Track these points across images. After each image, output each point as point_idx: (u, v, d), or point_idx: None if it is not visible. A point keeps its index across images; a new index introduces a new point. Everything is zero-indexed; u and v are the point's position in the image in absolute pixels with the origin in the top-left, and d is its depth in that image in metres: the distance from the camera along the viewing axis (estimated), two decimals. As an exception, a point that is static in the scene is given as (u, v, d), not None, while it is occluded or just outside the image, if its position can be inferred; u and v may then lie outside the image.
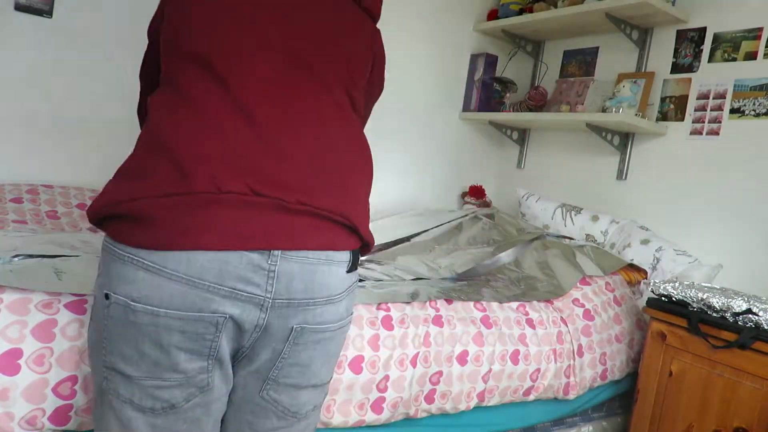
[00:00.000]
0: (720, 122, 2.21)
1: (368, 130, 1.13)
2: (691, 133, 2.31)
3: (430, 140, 2.94)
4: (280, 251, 0.85)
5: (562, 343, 1.68)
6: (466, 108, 3.00)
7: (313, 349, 0.93)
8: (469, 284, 1.82)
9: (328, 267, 0.90)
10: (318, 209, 0.88)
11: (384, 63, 1.15)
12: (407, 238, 2.31)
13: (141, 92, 1.14)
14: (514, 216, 2.50)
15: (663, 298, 1.69)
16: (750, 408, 1.48)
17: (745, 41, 2.16)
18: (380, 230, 2.47)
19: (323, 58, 0.96)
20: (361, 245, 0.99)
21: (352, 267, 0.96)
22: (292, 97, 0.91)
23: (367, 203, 1.00)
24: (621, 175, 2.56)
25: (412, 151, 2.89)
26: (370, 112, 1.21)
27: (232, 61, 0.88)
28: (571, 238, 2.23)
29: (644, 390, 1.72)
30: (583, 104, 2.65)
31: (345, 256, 0.94)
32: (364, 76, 1.05)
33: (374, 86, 1.14)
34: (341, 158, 0.94)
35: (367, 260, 2.11)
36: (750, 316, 1.49)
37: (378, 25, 1.10)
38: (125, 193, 0.82)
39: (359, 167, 0.99)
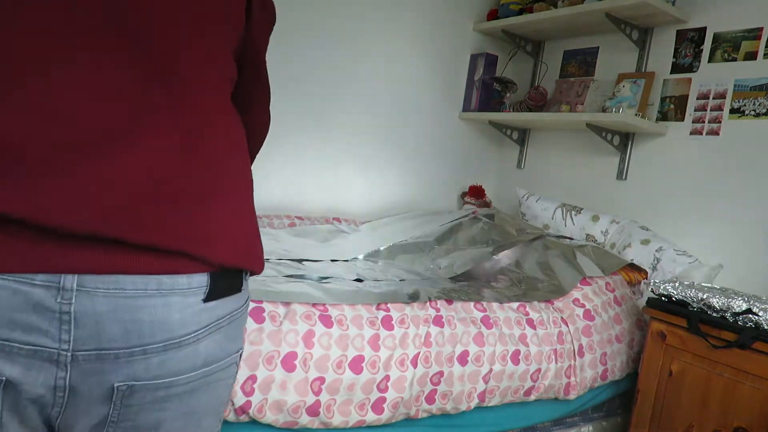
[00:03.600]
0: (720, 122, 2.22)
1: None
2: (691, 133, 2.31)
3: (430, 140, 2.94)
4: (75, 279, 0.59)
5: (563, 343, 1.68)
6: (466, 108, 3.00)
7: (160, 410, 0.67)
8: (469, 284, 1.82)
9: (164, 298, 0.64)
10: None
11: None
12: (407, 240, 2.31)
13: None
14: (514, 216, 2.50)
15: (663, 298, 1.69)
16: (750, 408, 1.48)
17: (745, 41, 2.16)
18: (381, 231, 2.47)
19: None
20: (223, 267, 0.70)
21: (216, 292, 0.68)
22: None
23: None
24: (621, 175, 2.56)
25: (412, 151, 2.89)
26: None
27: None
28: (571, 238, 2.23)
29: (644, 390, 1.72)
30: (583, 104, 2.66)
31: (198, 279, 0.66)
32: None
33: None
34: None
35: (367, 260, 2.12)
36: (750, 316, 1.50)
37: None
38: None
39: None
